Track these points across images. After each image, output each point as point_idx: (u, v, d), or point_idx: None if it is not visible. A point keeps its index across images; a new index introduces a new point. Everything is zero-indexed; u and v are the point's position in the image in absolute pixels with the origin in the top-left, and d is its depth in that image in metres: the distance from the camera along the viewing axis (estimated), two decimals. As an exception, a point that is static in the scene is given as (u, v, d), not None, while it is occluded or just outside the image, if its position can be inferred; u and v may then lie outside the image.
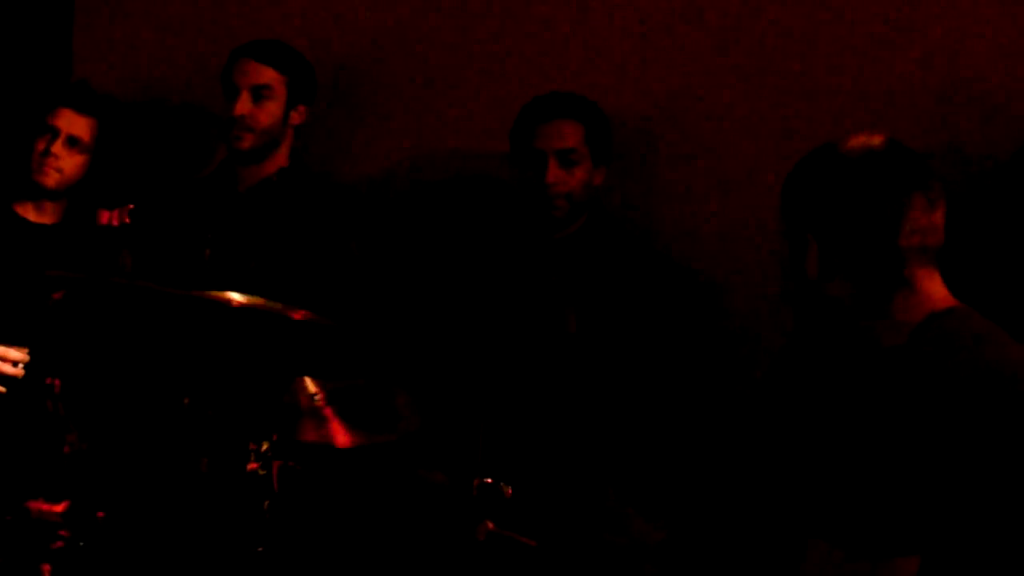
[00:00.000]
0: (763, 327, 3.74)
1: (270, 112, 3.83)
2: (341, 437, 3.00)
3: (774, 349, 3.70)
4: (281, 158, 3.89)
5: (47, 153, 3.83)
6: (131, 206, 2.76)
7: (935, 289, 2.36)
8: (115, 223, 2.76)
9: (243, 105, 3.80)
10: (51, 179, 3.84)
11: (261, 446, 3.01)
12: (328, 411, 2.99)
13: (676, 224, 3.84)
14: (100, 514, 2.33)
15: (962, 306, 2.37)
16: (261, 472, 3.00)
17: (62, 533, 2.31)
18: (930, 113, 3.54)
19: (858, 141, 2.39)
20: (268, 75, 3.83)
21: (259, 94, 3.82)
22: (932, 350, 2.25)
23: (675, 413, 3.60)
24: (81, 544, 2.28)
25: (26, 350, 3.47)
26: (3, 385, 3.48)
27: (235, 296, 2.82)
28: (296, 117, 3.89)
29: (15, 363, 3.49)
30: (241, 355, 3.34)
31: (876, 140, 2.39)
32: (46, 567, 2.22)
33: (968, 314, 2.36)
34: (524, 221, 3.70)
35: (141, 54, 4.42)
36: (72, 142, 3.86)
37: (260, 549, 2.99)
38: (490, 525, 2.90)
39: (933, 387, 2.20)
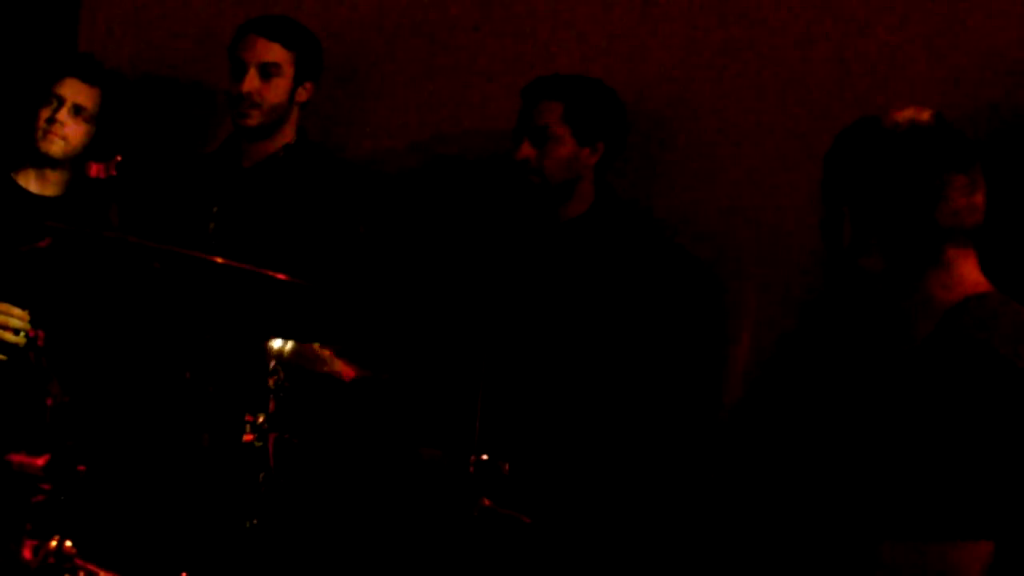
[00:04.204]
0: (772, 317, 3.71)
1: (278, 89, 3.80)
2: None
3: (780, 337, 3.68)
4: (287, 135, 3.87)
5: (52, 120, 3.81)
6: (119, 157, 2.72)
7: (970, 272, 2.32)
8: (102, 176, 2.73)
9: (251, 82, 3.77)
10: (56, 147, 3.82)
11: (257, 418, 2.97)
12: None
13: (684, 213, 3.81)
14: (81, 468, 2.31)
15: (997, 293, 2.33)
16: (257, 444, 2.96)
17: (43, 487, 2.30)
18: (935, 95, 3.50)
19: (905, 115, 2.34)
20: (276, 52, 3.80)
21: (267, 71, 3.78)
22: (959, 339, 2.21)
23: (675, 402, 3.59)
24: (62, 498, 2.27)
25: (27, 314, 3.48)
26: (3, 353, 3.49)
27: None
28: (302, 94, 3.86)
29: (16, 331, 3.52)
30: (229, 319, 3.31)
31: (924, 115, 2.34)
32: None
33: (1003, 302, 2.32)
34: (514, 201, 3.70)
35: (146, 29, 4.41)
36: (77, 111, 3.84)
37: (254, 522, 2.95)
38: (486, 502, 2.88)
39: (955, 383, 2.16)
